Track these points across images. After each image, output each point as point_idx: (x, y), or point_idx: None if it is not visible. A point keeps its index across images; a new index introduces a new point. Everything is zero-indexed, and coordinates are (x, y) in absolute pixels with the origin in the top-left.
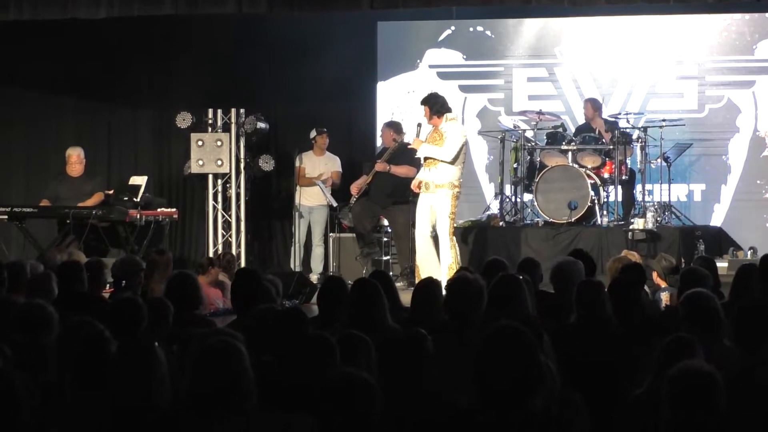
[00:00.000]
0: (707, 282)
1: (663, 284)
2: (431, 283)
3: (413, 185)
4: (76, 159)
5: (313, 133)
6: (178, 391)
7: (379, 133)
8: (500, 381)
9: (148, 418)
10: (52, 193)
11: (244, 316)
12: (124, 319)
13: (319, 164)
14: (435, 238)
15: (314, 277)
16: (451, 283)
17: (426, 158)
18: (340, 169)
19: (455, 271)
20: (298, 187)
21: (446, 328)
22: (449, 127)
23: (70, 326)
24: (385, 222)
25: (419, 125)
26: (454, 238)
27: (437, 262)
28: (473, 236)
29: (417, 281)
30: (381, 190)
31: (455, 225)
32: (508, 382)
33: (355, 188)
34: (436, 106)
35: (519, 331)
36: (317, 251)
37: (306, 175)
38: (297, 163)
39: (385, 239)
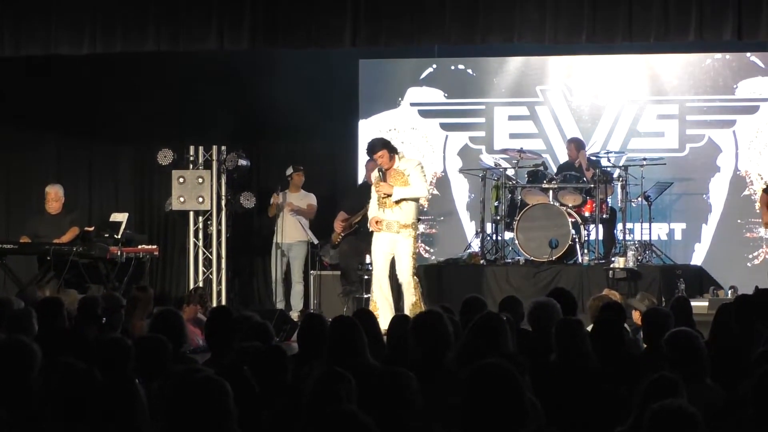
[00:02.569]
0: (669, 322)
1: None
2: (404, 320)
3: (370, 223)
4: (54, 196)
5: (289, 171)
6: (157, 427)
7: (360, 170)
8: (487, 417)
9: None
10: (32, 231)
11: (219, 354)
12: (112, 360)
13: (295, 201)
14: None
15: (295, 315)
16: (421, 318)
17: (378, 199)
18: (315, 204)
19: (419, 310)
20: (278, 224)
21: (418, 365)
22: (407, 164)
23: (52, 364)
24: (368, 259)
25: (381, 171)
26: (416, 277)
27: (392, 303)
28: (454, 274)
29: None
30: None
31: (438, 263)
32: (494, 419)
33: (339, 225)
34: (389, 146)
35: (504, 368)
36: (297, 288)
37: (278, 210)
38: (272, 200)
39: (366, 277)
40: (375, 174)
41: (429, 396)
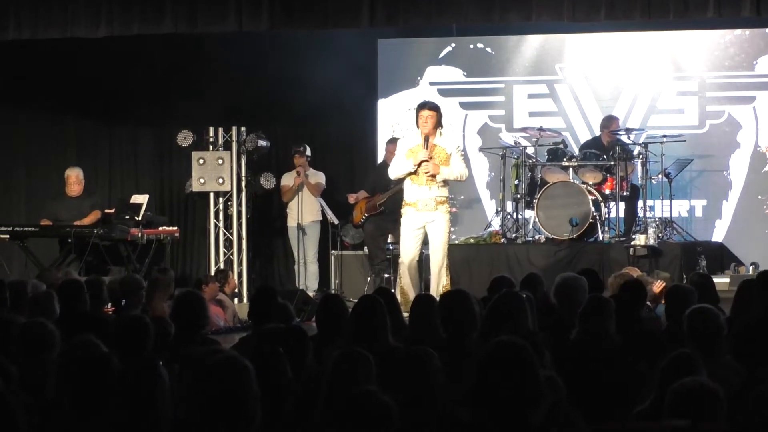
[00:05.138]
0: (692, 298)
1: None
2: (428, 299)
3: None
4: (74, 179)
5: (292, 152)
6: (178, 410)
7: (380, 150)
8: (499, 395)
9: None
10: (52, 214)
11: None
12: (131, 339)
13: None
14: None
15: (310, 295)
16: (447, 297)
17: (413, 175)
18: (322, 182)
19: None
20: (288, 207)
21: (444, 344)
22: (447, 142)
23: (70, 346)
24: (390, 239)
25: (426, 140)
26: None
27: (419, 287)
28: (474, 253)
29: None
30: (399, 207)
31: (459, 242)
32: (507, 397)
33: (352, 198)
34: (440, 114)
35: (519, 345)
36: (311, 269)
37: (288, 190)
38: (282, 182)
39: (388, 256)
40: (413, 142)
41: (453, 376)
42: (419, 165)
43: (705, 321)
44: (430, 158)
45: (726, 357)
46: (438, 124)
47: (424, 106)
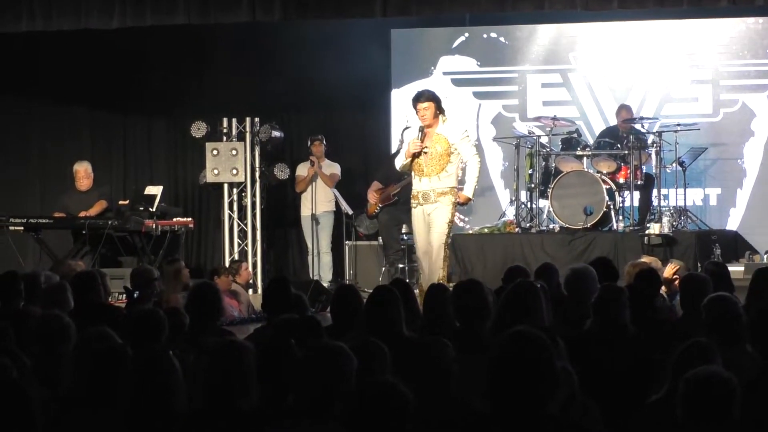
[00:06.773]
0: (707, 287)
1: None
2: (442, 289)
3: (412, 144)
4: (84, 174)
5: (308, 143)
6: (192, 399)
7: (394, 140)
8: (515, 386)
9: (162, 426)
10: (63, 207)
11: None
12: (145, 331)
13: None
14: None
15: (325, 285)
16: (461, 287)
17: (415, 166)
18: (337, 173)
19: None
20: (302, 197)
21: (457, 334)
22: (451, 130)
23: (85, 337)
24: (404, 229)
25: (421, 131)
26: (449, 250)
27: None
28: (489, 243)
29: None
30: None
31: (473, 232)
32: (523, 387)
33: (373, 196)
34: (437, 101)
35: (534, 335)
36: (325, 259)
37: (302, 180)
38: (297, 172)
39: (402, 247)
40: (411, 135)
41: (467, 366)
42: (412, 158)
43: (724, 309)
44: (423, 147)
45: (745, 345)
46: (437, 113)
47: (419, 98)
